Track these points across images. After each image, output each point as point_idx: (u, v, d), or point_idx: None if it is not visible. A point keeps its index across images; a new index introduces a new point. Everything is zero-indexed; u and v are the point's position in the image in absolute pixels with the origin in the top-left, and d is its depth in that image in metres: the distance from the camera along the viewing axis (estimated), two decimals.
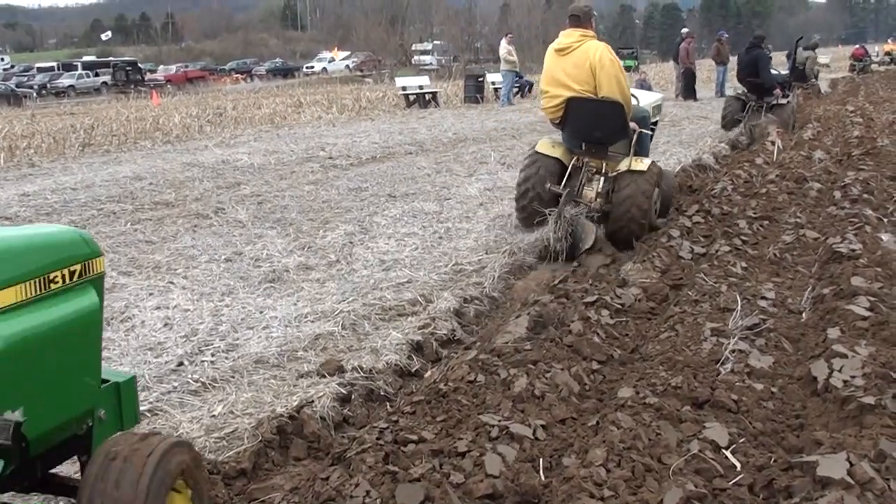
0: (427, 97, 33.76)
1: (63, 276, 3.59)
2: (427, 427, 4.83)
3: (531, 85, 38.08)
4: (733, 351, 5.83)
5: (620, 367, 6.08)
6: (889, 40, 74.26)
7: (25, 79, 78.50)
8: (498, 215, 11.36)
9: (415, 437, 4.66)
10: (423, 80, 37.30)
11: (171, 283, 8.64)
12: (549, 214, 9.52)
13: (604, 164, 10.13)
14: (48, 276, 3.49)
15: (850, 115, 22.84)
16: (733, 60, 26.58)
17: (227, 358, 6.51)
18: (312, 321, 7.31)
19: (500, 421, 4.74)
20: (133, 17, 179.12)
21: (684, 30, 38.13)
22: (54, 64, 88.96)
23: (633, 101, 10.33)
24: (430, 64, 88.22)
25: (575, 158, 10.13)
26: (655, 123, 12.08)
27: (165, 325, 7.32)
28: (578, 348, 6.16)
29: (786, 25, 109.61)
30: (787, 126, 19.80)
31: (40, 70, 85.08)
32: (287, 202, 12.84)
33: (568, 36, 10.00)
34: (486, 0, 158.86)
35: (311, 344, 6.78)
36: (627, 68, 61.96)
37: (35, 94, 65.92)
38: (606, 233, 9.90)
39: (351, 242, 10.16)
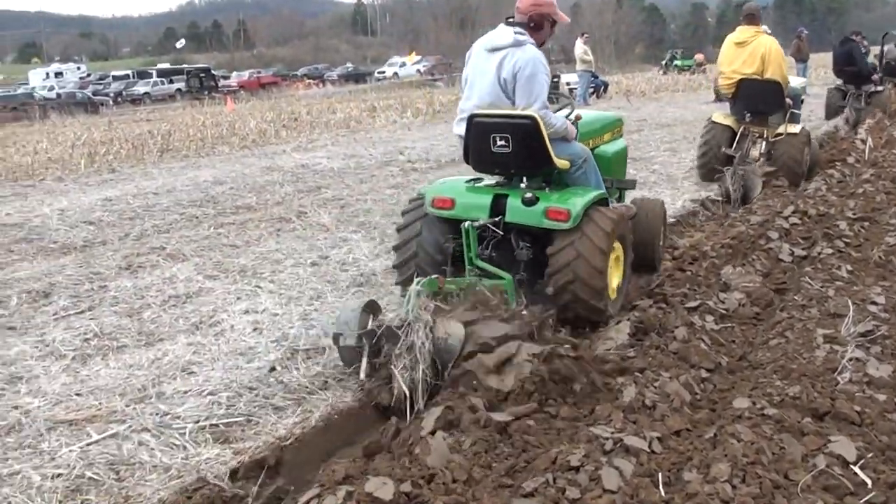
0: None
1: None
2: (539, 435, 4.67)
3: (606, 85, 37.83)
4: (850, 359, 5.57)
5: (729, 375, 5.84)
6: None
7: (101, 87, 79.49)
8: None
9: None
10: None
11: (259, 286, 8.53)
12: (726, 171, 12.29)
13: (765, 131, 13.11)
14: None
15: None
16: (813, 57, 26.24)
17: (317, 364, 6.36)
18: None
19: (612, 433, 4.53)
20: (205, 24, 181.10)
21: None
22: (129, 72, 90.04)
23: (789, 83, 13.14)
24: None
25: (742, 127, 12.93)
26: (802, 101, 15.14)
27: (255, 329, 7.21)
28: (685, 355, 5.94)
29: (862, 21, 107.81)
30: (885, 110, 21.19)
31: (116, 78, 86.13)
32: (369, 206, 12.70)
33: (745, 32, 12.93)
34: (557, 1, 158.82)
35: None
36: (687, 68, 61.83)
37: (111, 102, 66.69)
38: (768, 180, 12.33)
39: None
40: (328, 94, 59.89)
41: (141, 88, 75.76)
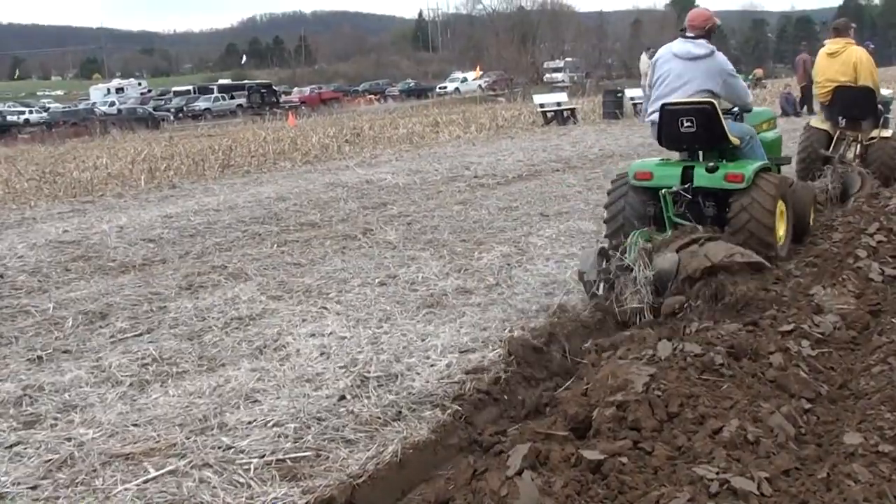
0: (565, 114, 33.19)
1: None
2: (637, 474, 4.27)
3: None
4: None
5: (831, 405, 5.41)
6: None
7: (162, 102, 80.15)
8: None
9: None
10: (561, 97, 36.71)
11: (325, 308, 8.22)
12: (826, 169, 12.85)
13: (859, 135, 13.73)
14: None
15: None
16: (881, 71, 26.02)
17: (390, 392, 5.99)
18: (478, 350, 6.78)
19: (717, 473, 4.13)
20: (266, 40, 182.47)
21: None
22: (190, 87, 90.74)
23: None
24: (562, 81, 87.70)
25: (838, 131, 13.55)
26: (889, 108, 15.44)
27: (322, 353, 6.89)
28: (784, 384, 5.51)
29: None
30: None
31: (177, 94, 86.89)
32: (437, 222, 12.38)
33: (836, 43, 13.50)
34: (616, 16, 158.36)
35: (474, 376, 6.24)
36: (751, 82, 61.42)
37: (172, 117, 67.24)
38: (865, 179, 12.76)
39: (508, 264, 9.66)
40: (390, 109, 60.03)
41: (202, 104, 76.19)
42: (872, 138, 13.79)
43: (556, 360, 6.82)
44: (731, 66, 9.22)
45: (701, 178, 8.77)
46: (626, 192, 9.13)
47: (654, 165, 9.13)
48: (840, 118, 13.61)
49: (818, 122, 14.05)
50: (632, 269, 7.73)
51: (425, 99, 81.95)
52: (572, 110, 33.87)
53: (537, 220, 12.29)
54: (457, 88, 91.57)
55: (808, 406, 5.26)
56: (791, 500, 4.02)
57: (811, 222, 10.40)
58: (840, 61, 13.44)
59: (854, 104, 13.46)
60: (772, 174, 9.12)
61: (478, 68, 79.45)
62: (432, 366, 6.47)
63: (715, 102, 8.76)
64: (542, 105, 34.03)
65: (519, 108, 42.66)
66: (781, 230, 9.12)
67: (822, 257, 9.01)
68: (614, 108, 34.06)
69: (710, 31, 9.31)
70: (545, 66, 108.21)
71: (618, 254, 7.98)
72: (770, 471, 4.23)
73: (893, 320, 6.71)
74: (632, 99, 35.88)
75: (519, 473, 4.30)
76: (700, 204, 8.96)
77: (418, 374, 6.32)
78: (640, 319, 7.49)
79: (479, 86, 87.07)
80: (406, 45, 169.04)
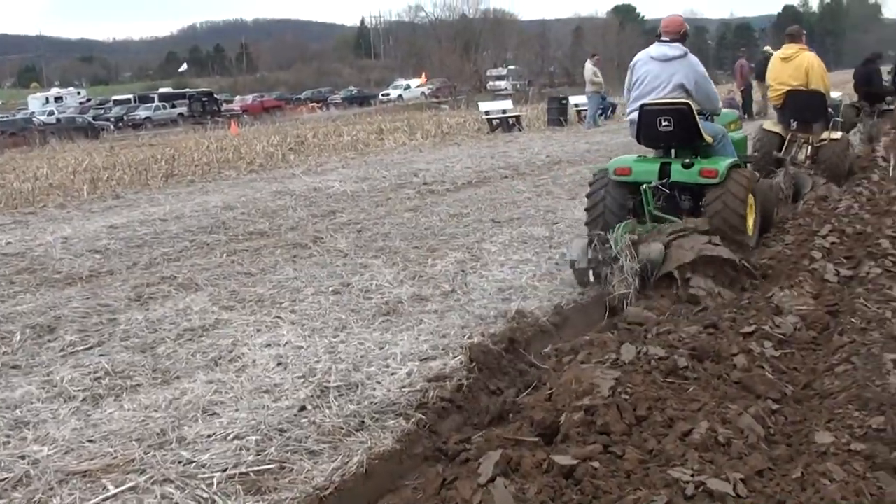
0: (510, 121, 33.17)
1: None
2: (609, 478, 4.22)
3: (615, 106, 37.42)
4: None
5: (797, 405, 5.43)
6: None
7: (102, 111, 79.16)
8: None
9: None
10: (506, 104, 36.79)
11: (279, 317, 8.09)
12: (779, 171, 13.09)
13: (810, 136, 14.28)
14: None
15: None
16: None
17: (351, 401, 5.89)
18: (438, 357, 6.70)
19: (692, 476, 4.09)
20: (207, 48, 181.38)
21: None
22: (130, 96, 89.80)
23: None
24: (505, 89, 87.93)
25: (790, 133, 14.16)
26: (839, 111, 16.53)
27: (279, 364, 6.76)
28: (749, 385, 5.53)
29: (860, 43, 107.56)
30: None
31: (116, 102, 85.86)
32: (388, 230, 12.27)
33: (789, 48, 14.29)
34: (558, 24, 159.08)
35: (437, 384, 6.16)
36: None
37: (112, 127, 66.36)
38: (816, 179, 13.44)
39: (463, 271, 9.58)
40: (332, 116, 59.74)
41: (142, 113, 75.48)
42: (823, 140, 14.29)
43: (517, 365, 6.78)
44: (703, 69, 9.92)
45: (678, 173, 9.51)
46: (607, 186, 9.87)
47: (633, 162, 9.90)
48: (791, 121, 14.20)
49: (770, 124, 14.64)
50: (619, 259, 8.32)
51: (368, 106, 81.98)
52: (517, 117, 33.86)
53: (489, 226, 12.22)
54: (400, 95, 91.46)
55: (775, 407, 5.27)
56: (767, 501, 4.01)
57: (775, 216, 11.16)
58: (793, 66, 14.11)
59: (805, 107, 14.08)
60: (743, 170, 9.90)
61: (423, 75, 79.48)
62: (393, 374, 6.38)
63: (691, 103, 9.50)
64: (487, 112, 34.02)
65: (463, 115, 42.61)
66: (751, 222, 9.85)
67: (777, 259, 9.08)
68: (559, 115, 34.08)
69: (683, 35, 10.09)
70: (488, 73, 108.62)
71: (606, 244, 8.49)
72: (744, 472, 4.22)
73: (853, 320, 6.77)
74: (576, 106, 36.03)
75: (491, 481, 4.24)
76: (677, 197, 9.77)
77: (379, 382, 6.22)
78: (627, 305, 8.13)
79: (423, 93, 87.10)
80: (348, 53, 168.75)
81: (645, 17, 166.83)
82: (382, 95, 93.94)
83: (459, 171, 18.94)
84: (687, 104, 9.47)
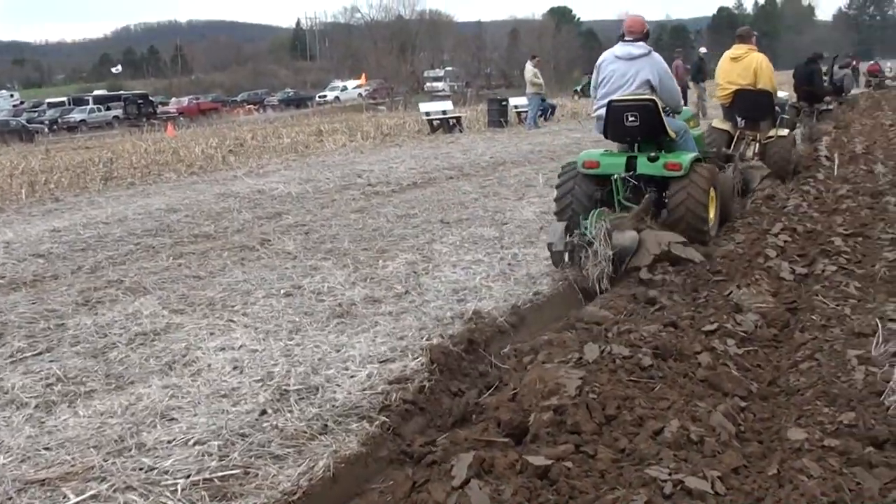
0: (451, 122, 33.14)
1: None
2: (583, 478, 4.18)
3: (554, 108, 37.55)
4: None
5: (763, 402, 5.46)
6: None
7: (36, 114, 78.13)
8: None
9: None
10: (447, 106, 36.72)
11: (231, 321, 7.97)
12: (728, 167, 12.99)
13: (757, 134, 14.87)
14: None
15: (891, 128, 23.28)
16: None
17: (312, 405, 5.80)
18: (397, 359, 6.62)
19: (669, 474, 4.07)
20: (141, 50, 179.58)
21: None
22: (65, 99, 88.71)
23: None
24: (443, 90, 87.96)
25: (738, 131, 14.69)
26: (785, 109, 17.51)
27: (235, 368, 6.64)
28: (716, 383, 5.55)
29: (794, 44, 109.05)
30: (836, 125, 24.26)
31: (51, 105, 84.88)
32: (335, 231, 12.16)
33: (739, 49, 14.75)
34: (494, 26, 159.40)
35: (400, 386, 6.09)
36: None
37: (46, 130, 65.50)
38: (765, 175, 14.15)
39: (415, 272, 9.50)
40: (270, 119, 59.52)
41: (77, 115, 74.64)
42: (770, 137, 14.89)
43: (478, 366, 6.74)
44: (666, 66, 10.57)
45: (644, 166, 10.03)
46: (575, 178, 10.34)
47: (600, 155, 10.40)
48: (739, 119, 14.72)
49: (719, 122, 15.04)
50: (593, 244, 8.83)
51: (305, 108, 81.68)
52: (458, 119, 33.84)
53: (438, 227, 12.15)
54: (337, 97, 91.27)
55: (742, 404, 5.30)
56: (746, 498, 4.02)
57: (733, 208, 11.79)
58: (742, 66, 14.59)
59: (753, 106, 14.59)
60: (704, 164, 10.49)
61: (363, 76, 79.29)
62: (352, 377, 6.29)
63: (656, 100, 10.02)
64: (427, 113, 33.95)
65: (402, 116, 42.58)
66: (712, 213, 10.45)
67: (730, 258, 9.14)
68: (499, 116, 34.05)
69: (646, 34, 10.65)
70: (425, 74, 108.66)
71: (580, 230, 9.07)
72: (720, 469, 4.24)
73: (812, 317, 6.86)
74: (516, 107, 36.04)
75: (465, 483, 4.18)
76: (642, 189, 10.19)
77: (339, 385, 6.14)
78: (601, 287, 8.68)
79: (360, 94, 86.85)
80: (284, 54, 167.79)
81: (581, 19, 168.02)
82: (319, 97, 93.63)
83: (403, 172, 18.87)
84: (653, 101, 9.97)
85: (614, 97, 10.20)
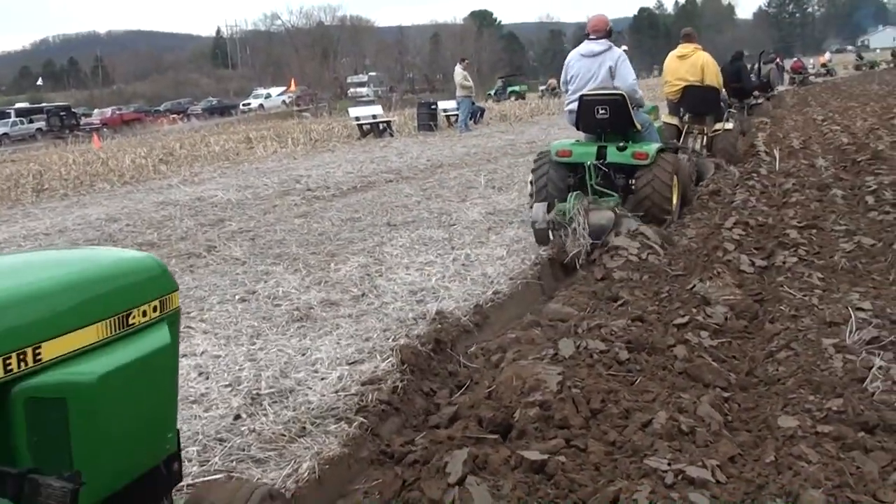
0: (381, 126, 33.06)
1: (143, 313, 3.16)
2: (579, 471, 4.17)
3: (483, 111, 37.58)
4: (877, 368, 5.28)
5: (743, 392, 5.49)
6: (829, 53, 77.19)
7: None
8: (513, 239, 10.72)
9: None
10: (377, 110, 36.61)
11: (189, 327, 7.82)
12: (680, 158, 12.98)
13: (704, 128, 15.94)
14: (127, 314, 3.09)
15: (823, 123, 23.61)
16: None
17: (286, 408, 5.73)
18: (366, 360, 6.57)
19: (669, 464, 4.07)
20: (61, 62, 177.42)
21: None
22: None
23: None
24: (367, 95, 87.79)
25: (686, 125, 15.57)
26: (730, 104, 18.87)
27: (201, 374, 6.53)
28: (695, 375, 5.58)
29: (715, 42, 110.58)
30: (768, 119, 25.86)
31: None
32: (281, 236, 12.05)
33: (685, 48, 15.85)
34: (415, 30, 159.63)
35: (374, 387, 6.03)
36: (519, 94, 63.86)
37: None
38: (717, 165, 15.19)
39: (369, 275, 9.42)
40: (195, 127, 58.92)
41: None
42: (716, 131, 16.20)
43: (446, 366, 6.71)
44: (624, 57, 11.55)
45: (614, 155, 10.96)
46: (549, 165, 11.28)
47: (571, 145, 11.42)
48: (687, 113, 15.73)
49: (667, 117, 15.74)
50: (573, 221, 9.93)
51: (229, 116, 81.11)
52: (388, 123, 33.79)
53: (385, 230, 12.08)
54: (261, 105, 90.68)
55: (725, 395, 5.30)
56: (748, 485, 4.01)
57: (690, 194, 12.68)
58: (689, 63, 15.65)
59: (701, 101, 15.62)
60: (668, 154, 11.52)
61: (292, 82, 78.99)
62: (323, 379, 6.22)
63: (625, 94, 10.99)
64: (357, 118, 33.84)
65: (328, 122, 42.41)
66: (675, 198, 11.43)
67: (686, 251, 9.23)
68: (429, 120, 34.03)
69: (609, 32, 11.75)
70: (349, 80, 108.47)
71: (559, 211, 10.12)
72: (717, 458, 4.23)
73: (781, 308, 6.93)
74: (444, 111, 36.04)
75: (462, 480, 4.15)
76: (612, 176, 11.16)
77: (311, 388, 6.06)
78: (579, 261, 9.63)
79: (284, 101, 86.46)
80: (205, 63, 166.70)
81: (502, 22, 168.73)
82: (243, 105, 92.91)
83: (342, 177, 18.78)
84: (622, 96, 10.96)
85: (584, 91, 11.23)
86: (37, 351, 2.73)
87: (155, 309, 3.21)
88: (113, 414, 2.92)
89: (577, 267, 9.57)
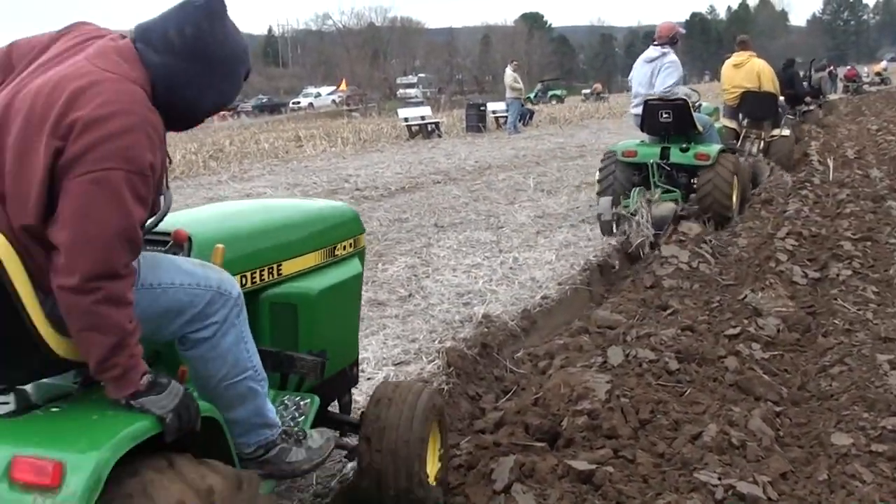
0: (430, 127, 32.98)
1: (343, 247, 4.37)
2: (627, 483, 4.11)
3: (532, 113, 37.41)
4: None
5: (795, 406, 5.39)
6: (885, 61, 76.31)
7: None
8: (562, 244, 10.64)
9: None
10: (425, 111, 36.54)
11: None
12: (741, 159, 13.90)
13: (762, 133, 16.25)
14: (334, 247, 4.28)
15: (878, 133, 23.37)
16: None
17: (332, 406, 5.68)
18: (412, 362, 6.53)
19: (719, 479, 4.00)
20: None
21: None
22: None
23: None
24: (416, 97, 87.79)
25: (744, 130, 16.05)
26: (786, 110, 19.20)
27: None
28: (746, 387, 5.51)
29: (768, 49, 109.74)
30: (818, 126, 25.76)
31: None
32: None
33: (740, 56, 16.07)
34: (466, 32, 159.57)
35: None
36: (560, 98, 63.61)
37: None
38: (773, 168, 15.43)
39: (416, 276, 9.38)
40: (245, 124, 59.04)
41: None
42: (773, 136, 16.49)
43: (492, 370, 6.66)
44: (675, 62, 12.00)
45: (677, 155, 11.58)
46: (615, 165, 11.86)
47: (636, 146, 12.05)
48: (745, 118, 16.11)
49: (727, 122, 15.92)
50: (635, 215, 10.74)
51: (279, 114, 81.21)
52: (437, 124, 33.71)
53: (433, 231, 12.05)
54: (310, 104, 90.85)
55: (777, 409, 5.21)
56: (801, 503, 3.92)
57: (749, 194, 13.22)
58: (745, 70, 15.84)
59: (759, 107, 15.95)
60: (728, 155, 12.04)
61: (343, 82, 79.06)
62: (369, 379, 6.17)
63: (686, 100, 11.69)
64: (406, 119, 33.79)
65: (378, 122, 42.41)
66: (735, 197, 11.98)
67: (736, 261, 9.14)
68: (478, 121, 33.92)
69: (673, 38, 12.20)
70: (398, 81, 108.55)
71: (624, 206, 11.01)
72: (768, 474, 4.15)
73: (834, 321, 6.84)
74: (494, 112, 35.93)
75: (508, 487, 4.10)
76: (674, 175, 11.84)
77: (357, 388, 6.02)
78: (643, 252, 10.40)
79: (334, 101, 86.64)
80: (256, 61, 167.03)
81: (552, 25, 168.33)
82: (293, 104, 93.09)
83: (390, 177, 18.75)
84: (684, 101, 11.62)
85: (643, 96, 11.93)
86: (279, 268, 3.87)
87: (351, 245, 4.44)
88: (325, 320, 4.07)
89: (641, 255, 10.31)
